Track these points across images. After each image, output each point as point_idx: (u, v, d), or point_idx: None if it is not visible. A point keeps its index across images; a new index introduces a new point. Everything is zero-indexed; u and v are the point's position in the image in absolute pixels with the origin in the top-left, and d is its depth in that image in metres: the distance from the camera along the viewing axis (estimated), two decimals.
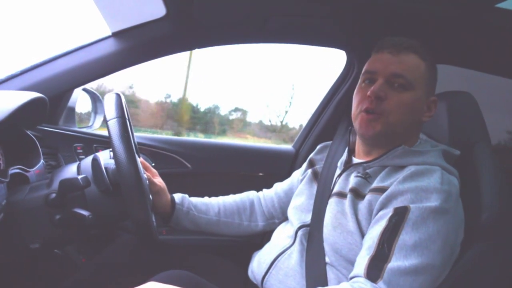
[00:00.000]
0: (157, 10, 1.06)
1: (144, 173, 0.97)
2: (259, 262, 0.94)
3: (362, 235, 0.77)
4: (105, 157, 0.87)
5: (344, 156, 0.94)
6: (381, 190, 0.77)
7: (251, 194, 1.13)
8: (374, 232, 0.72)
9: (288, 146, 1.63)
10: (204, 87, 3.89)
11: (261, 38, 1.29)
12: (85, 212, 0.78)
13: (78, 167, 0.87)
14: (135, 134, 0.99)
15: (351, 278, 0.71)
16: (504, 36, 1.04)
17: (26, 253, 0.82)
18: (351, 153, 0.94)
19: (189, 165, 1.47)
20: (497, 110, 1.46)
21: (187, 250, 1.08)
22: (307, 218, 0.93)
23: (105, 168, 0.82)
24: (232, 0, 1.05)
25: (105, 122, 0.80)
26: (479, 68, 1.22)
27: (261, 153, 1.58)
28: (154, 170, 1.04)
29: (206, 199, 1.09)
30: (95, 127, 1.49)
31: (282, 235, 0.96)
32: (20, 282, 1.01)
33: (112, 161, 0.83)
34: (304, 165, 1.07)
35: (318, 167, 1.02)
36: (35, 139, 0.88)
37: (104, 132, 1.38)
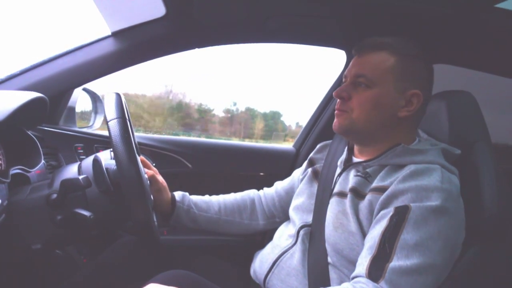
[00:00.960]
0: (157, 9, 1.06)
1: (147, 172, 0.97)
2: (261, 262, 0.94)
3: (364, 235, 0.77)
4: (106, 157, 0.87)
5: (344, 155, 0.95)
6: (382, 189, 0.77)
7: (251, 193, 1.13)
8: (375, 232, 0.72)
9: (288, 146, 1.64)
10: (264, 92, 3.89)
11: (261, 38, 1.29)
12: (86, 213, 0.78)
13: (79, 167, 0.87)
14: (137, 134, 0.99)
15: (353, 278, 0.71)
16: (504, 36, 1.04)
17: (27, 254, 0.82)
18: (351, 152, 0.95)
19: (189, 165, 1.47)
20: (497, 109, 1.46)
21: (188, 250, 1.09)
22: (309, 218, 0.93)
23: (106, 169, 0.82)
24: (232, 0, 1.05)
25: (105, 122, 0.80)
26: (478, 68, 1.22)
27: (262, 153, 1.59)
28: (154, 169, 1.05)
29: (206, 197, 1.09)
30: (96, 127, 1.49)
31: (284, 235, 0.96)
32: (22, 283, 1.01)
33: (113, 161, 0.83)
34: (304, 164, 1.08)
35: (318, 166, 1.02)
36: (35, 139, 0.88)
37: (105, 132, 1.38)
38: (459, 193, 0.76)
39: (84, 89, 1.44)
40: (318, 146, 1.08)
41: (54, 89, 1.06)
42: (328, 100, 1.50)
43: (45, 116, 0.91)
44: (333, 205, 0.86)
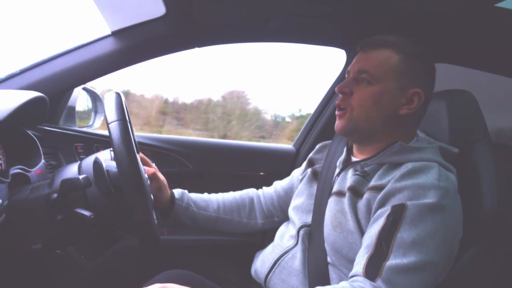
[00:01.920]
0: (157, 9, 1.06)
1: (148, 170, 0.97)
2: (262, 262, 0.94)
3: (362, 234, 0.77)
4: (106, 158, 0.86)
5: (343, 155, 0.95)
6: (379, 188, 0.77)
7: (250, 192, 1.13)
8: (373, 230, 0.73)
9: (288, 146, 1.64)
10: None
11: (262, 37, 1.30)
12: (86, 212, 0.78)
13: (79, 167, 0.87)
14: (137, 134, 0.98)
15: (351, 277, 0.71)
16: (504, 35, 1.04)
17: (27, 254, 0.82)
18: (350, 152, 0.95)
19: (190, 165, 1.47)
20: (497, 108, 1.47)
21: (189, 250, 1.09)
22: (308, 219, 0.93)
23: (107, 171, 0.82)
24: (232, 0, 1.05)
25: (105, 122, 0.79)
26: (479, 67, 1.22)
27: (262, 152, 1.59)
28: (154, 166, 1.04)
29: (205, 196, 1.09)
30: (96, 127, 1.49)
31: (285, 235, 0.96)
32: (22, 283, 1.01)
33: (114, 163, 0.83)
34: (304, 164, 1.07)
35: (318, 166, 1.02)
36: (35, 139, 0.88)
37: (105, 132, 1.38)
38: (456, 191, 0.76)
39: (84, 88, 1.43)
40: (317, 146, 1.08)
41: (54, 89, 1.06)
42: (328, 99, 1.50)
43: (45, 115, 0.90)
44: (331, 204, 0.86)
